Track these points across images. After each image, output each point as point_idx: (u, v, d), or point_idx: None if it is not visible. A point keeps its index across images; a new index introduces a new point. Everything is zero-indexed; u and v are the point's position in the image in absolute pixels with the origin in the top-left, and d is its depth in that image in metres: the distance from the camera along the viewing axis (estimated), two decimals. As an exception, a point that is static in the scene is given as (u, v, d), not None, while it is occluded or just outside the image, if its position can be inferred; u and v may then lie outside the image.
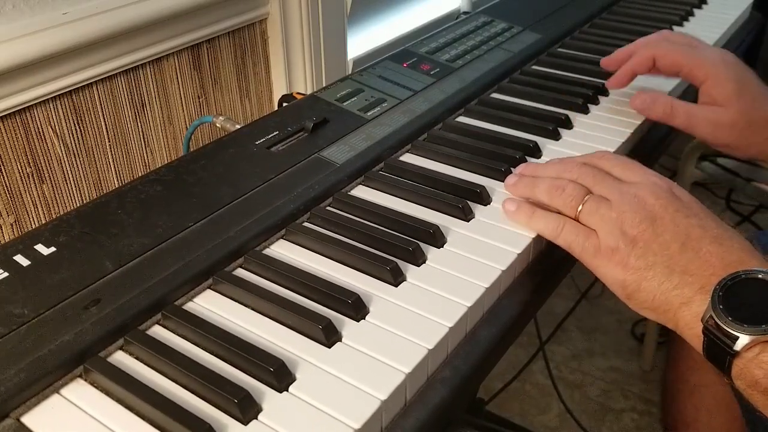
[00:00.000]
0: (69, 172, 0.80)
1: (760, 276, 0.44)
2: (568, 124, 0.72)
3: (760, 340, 0.42)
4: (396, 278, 0.50)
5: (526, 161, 0.65)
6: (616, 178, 0.54)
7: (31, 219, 0.78)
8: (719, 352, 0.44)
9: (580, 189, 0.53)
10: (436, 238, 0.54)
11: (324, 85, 0.81)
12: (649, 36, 0.74)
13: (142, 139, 0.88)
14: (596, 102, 0.76)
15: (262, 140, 0.64)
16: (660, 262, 0.48)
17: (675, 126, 0.69)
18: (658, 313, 0.48)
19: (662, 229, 0.49)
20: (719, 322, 0.43)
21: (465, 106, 0.75)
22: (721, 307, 0.43)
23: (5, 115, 0.72)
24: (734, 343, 0.43)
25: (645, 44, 0.72)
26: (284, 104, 0.77)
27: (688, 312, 0.46)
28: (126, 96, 0.84)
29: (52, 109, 0.76)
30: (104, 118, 0.82)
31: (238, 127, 0.71)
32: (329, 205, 0.59)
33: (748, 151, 0.68)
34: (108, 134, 0.83)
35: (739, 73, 0.67)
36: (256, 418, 0.40)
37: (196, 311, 0.48)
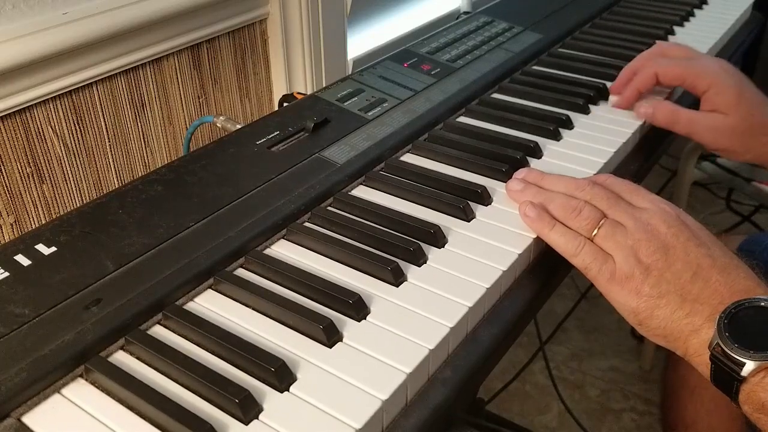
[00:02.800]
0: (69, 172, 0.80)
1: (762, 304, 0.45)
2: (568, 125, 0.72)
3: (766, 365, 0.43)
4: (397, 278, 0.50)
5: (527, 161, 0.65)
6: (627, 202, 0.55)
7: (31, 219, 0.78)
8: (726, 378, 0.45)
9: (596, 212, 0.54)
10: (437, 238, 0.54)
11: (324, 85, 0.81)
12: (648, 51, 0.76)
13: (142, 139, 0.88)
14: (597, 102, 0.76)
15: (262, 140, 0.64)
16: (672, 291, 0.49)
17: (677, 132, 0.71)
18: (668, 340, 0.49)
19: (674, 258, 0.50)
20: (726, 349, 0.44)
21: (466, 107, 0.75)
22: (727, 334, 0.45)
23: (5, 115, 0.72)
24: (741, 369, 0.44)
25: (646, 62, 0.74)
26: (285, 104, 0.77)
27: (696, 340, 0.47)
28: (126, 96, 0.84)
29: (52, 109, 0.76)
30: (104, 118, 0.82)
31: (238, 127, 0.71)
32: (330, 205, 0.59)
33: (744, 155, 0.70)
34: (108, 134, 0.83)
35: (739, 81, 0.70)
36: (257, 418, 0.40)
37: (197, 311, 0.48)
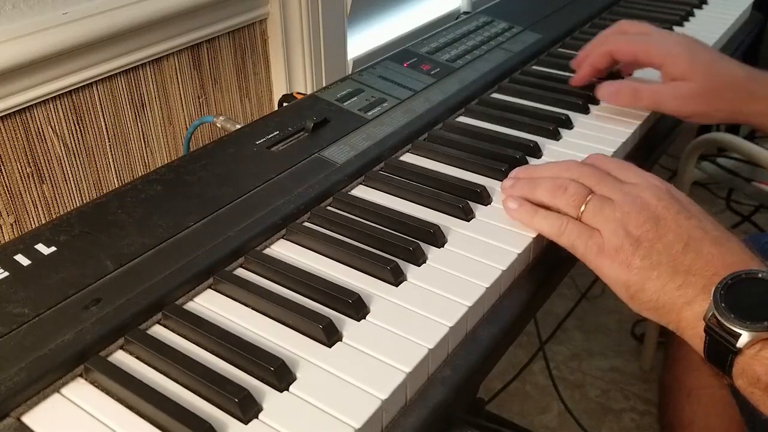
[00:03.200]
0: (69, 172, 0.80)
1: (760, 275, 0.45)
2: (568, 124, 0.72)
3: (762, 337, 0.43)
4: (396, 278, 0.50)
5: (526, 161, 0.65)
6: (615, 178, 0.54)
7: (31, 219, 0.78)
8: (721, 350, 0.44)
9: (582, 188, 0.53)
10: (437, 237, 0.54)
11: (324, 85, 0.81)
12: (608, 29, 0.77)
13: (142, 139, 0.88)
14: (596, 102, 0.76)
15: (262, 140, 0.64)
16: (664, 262, 0.48)
17: (643, 108, 0.72)
18: (660, 313, 0.49)
19: (665, 230, 0.49)
20: (721, 320, 0.44)
21: (465, 106, 0.75)
22: (723, 305, 0.44)
23: (5, 115, 0.72)
24: (736, 341, 0.43)
25: (601, 41, 0.75)
26: (284, 104, 0.77)
27: (690, 312, 0.47)
28: (126, 96, 0.84)
29: (52, 109, 0.76)
30: (104, 118, 0.82)
31: (238, 127, 0.71)
32: (330, 205, 0.59)
33: (716, 116, 0.70)
34: (108, 134, 0.83)
35: (690, 47, 0.70)
36: (257, 418, 0.40)
37: (196, 311, 0.48)
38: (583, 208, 0.52)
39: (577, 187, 0.53)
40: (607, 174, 0.55)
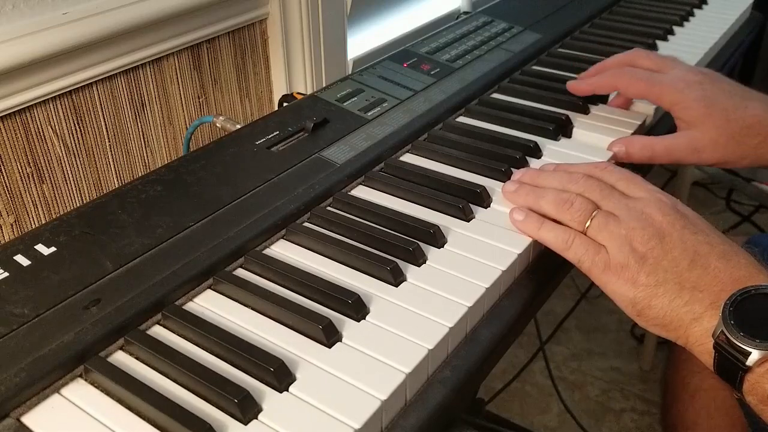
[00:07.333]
0: (69, 172, 0.80)
1: None
2: (568, 124, 0.72)
3: None
4: (396, 278, 0.50)
5: (526, 161, 0.65)
6: (621, 192, 0.54)
7: (31, 219, 0.78)
8: (731, 367, 0.44)
9: (588, 204, 0.53)
10: (437, 238, 0.54)
11: (324, 85, 0.81)
12: (622, 56, 0.72)
13: (142, 139, 0.88)
14: (596, 102, 0.76)
15: (262, 140, 0.64)
16: (670, 279, 0.48)
17: (659, 164, 0.67)
18: (668, 330, 0.48)
19: (671, 246, 0.49)
20: (731, 338, 0.43)
21: (465, 106, 0.75)
22: (732, 322, 0.44)
23: (5, 115, 0.72)
24: (746, 359, 0.43)
25: (611, 72, 0.71)
26: (284, 104, 0.77)
27: (698, 328, 0.47)
28: (126, 96, 0.84)
29: (52, 109, 0.76)
30: (104, 118, 0.82)
31: (238, 127, 0.71)
32: (329, 205, 0.59)
33: (740, 162, 0.65)
34: (108, 134, 0.83)
35: (705, 90, 0.65)
36: (257, 418, 0.40)
37: (196, 311, 0.48)
38: (588, 223, 0.52)
39: (583, 202, 0.53)
40: (613, 188, 0.54)
